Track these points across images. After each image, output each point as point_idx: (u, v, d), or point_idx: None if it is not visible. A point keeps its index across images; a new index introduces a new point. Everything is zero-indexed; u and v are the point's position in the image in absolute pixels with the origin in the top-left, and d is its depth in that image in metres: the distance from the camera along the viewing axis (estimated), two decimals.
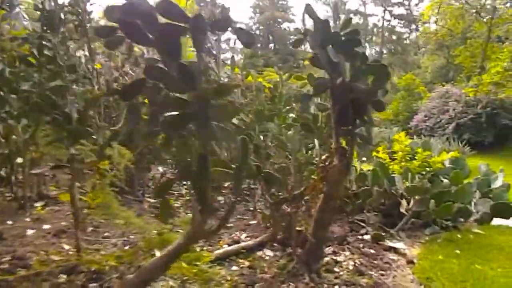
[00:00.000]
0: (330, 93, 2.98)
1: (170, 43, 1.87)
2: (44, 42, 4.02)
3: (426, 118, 17.90)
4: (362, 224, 4.58)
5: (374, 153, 5.31)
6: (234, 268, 3.12)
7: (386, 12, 38.72)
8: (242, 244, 3.51)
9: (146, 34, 1.88)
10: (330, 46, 2.86)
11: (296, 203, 3.20)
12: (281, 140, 3.23)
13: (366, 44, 38.97)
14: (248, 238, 3.79)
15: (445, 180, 5.23)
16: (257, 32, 38.27)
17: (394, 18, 39.26)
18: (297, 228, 3.50)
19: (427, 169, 5.05)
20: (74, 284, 2.49)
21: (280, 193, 3.58)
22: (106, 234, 3.65)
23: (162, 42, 1.87)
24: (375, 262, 3.47)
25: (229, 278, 2.88)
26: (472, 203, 5.29)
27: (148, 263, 2.02)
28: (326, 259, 3.42)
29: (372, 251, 3.72)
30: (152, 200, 5.15)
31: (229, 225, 4.30)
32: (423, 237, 4.40)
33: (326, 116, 3.38)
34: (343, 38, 2.92)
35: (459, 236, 4.46)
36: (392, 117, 23.45)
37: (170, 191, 5.77)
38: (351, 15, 36.75)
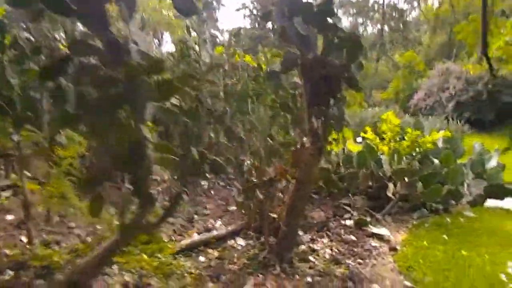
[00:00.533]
0: (301, 70, 2.73)
1: (93, 12, 1.61)
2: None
3: (426, 97, 17.47)
4: (348, 208, 4.38)
5: (362, 134, 5.05)
6: (202, 259, 2.92)
7: None
8: (214, 233, 3.32)
9: (67, 3, 1.63)
10: (300, 17, 2.59)
11: (267, 189, 2.99)
12: (251, 121, 2.99)
13: (368, 22, 38.08)
14: (223, 226, 3.59)
15: (436, 161, 4.99)
16: (255, 11, 37.40)
17: None
18: (273, 215, 3.31)
19: (417, 149, 4.79)
20: (19, 281, 2.31)
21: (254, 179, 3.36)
22: (71, 224, 3.46)
23: (84, 12, 1.62)
24: (355, 249, 3.27)
25: (193, 270, 2.69)
26: (465, 185, 5.06)
27: (81, 262, 1.83)
28: (303, 247, 3.22)
29: (353, 237, 3.52)
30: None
31: (205, 212, 4.11)
32: (410, 222, 4.19)
33: (299, 95, 3.12)
34: (315, 9, 2.66)
35: (448, 219, 4.24)
36: (393, 96, 23.04)
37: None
38: None
